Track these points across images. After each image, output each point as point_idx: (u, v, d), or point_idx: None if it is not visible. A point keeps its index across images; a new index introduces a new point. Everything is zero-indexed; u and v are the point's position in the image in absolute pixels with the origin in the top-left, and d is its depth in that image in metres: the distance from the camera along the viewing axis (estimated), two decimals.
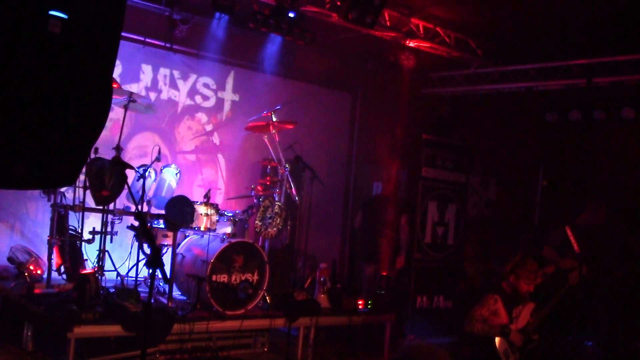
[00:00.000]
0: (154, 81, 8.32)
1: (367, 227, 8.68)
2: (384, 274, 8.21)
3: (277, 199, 7.10)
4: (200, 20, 8.09)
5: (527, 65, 8.74)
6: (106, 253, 6.41)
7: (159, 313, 5.91)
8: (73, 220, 6.59)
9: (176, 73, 8.50)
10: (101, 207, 6.38)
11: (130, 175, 6.83)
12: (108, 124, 7.25)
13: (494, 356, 5.39)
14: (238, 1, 7.31)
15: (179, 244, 6.80)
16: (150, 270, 3.26)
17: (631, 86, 7.92)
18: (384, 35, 8.10)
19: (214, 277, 6.27)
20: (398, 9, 7.90)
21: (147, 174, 6.72)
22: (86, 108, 2.43)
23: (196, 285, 6.18)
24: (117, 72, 7.79)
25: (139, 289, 6.21)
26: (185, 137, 8.66)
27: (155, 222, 6.79)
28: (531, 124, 9.44)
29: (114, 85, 6.49)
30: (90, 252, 6.58)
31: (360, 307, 7.47)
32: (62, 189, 6.69)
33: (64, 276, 6.52)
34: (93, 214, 6.79)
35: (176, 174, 7.22)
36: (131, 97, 6.39)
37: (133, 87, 7.96)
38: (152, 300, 4.78)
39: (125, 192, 6.40)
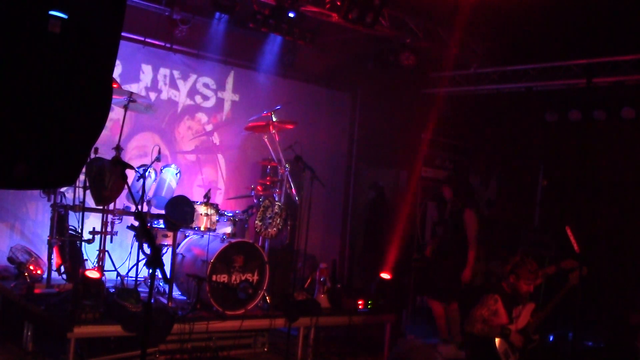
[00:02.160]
0: (154, 81, 8.32)
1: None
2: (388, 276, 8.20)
3: (277, 199, 7.10)
4: (200, 20, 8.08)
5: (527, 65, 8.73)
6: (106, 253, 6.41)
7: (159, 313, 5.90)
8: (73, 220, 6.58)
9: (176, 73, 8.50)
10: (101, 207, 6.38)
11: (130, 175, 6.83)
12: (108, 124, 7.24)
13: (493, 356, 5.39)
14: (238, 1, 7.31)
15: (179, 244, 6.80)
16: (150, 270, 3.26)
17: (631, 86, 7.91)
18: (384, 35, 8.09)
19: (214, 277, 6.27)
20: (398, 8, 7.90)
21: (147, 174, 6.71)
22: (86, 108, 2.43)
23: (196, 285, 6.18)
24: (117, 72, 7.79)
25: (139, 289, 6.21)
26: (185, 137, 8.66)
27: (155, 222, 6.79)
28: (531, 124, 9.44)
29: (114, 85, 6.48)
30: (90, 252, 6.58)
31: (360, 307, 7.47)
32: (62, 189, 6.69)
33: (64, 276, 6.52)
34: (93, 214, 6.78)
35: (176, 174, 7.22)
36: (131, 97, 6.39)
37: (133, 87, 7.95)
38: (152, 300, 4.78)
39: (125, 192, 6.40)
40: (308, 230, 6.93)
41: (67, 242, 6.53)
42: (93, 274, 5.75)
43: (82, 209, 6.39)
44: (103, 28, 2.43)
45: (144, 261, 6.40)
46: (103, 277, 6.23)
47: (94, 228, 6.45)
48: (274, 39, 8.47)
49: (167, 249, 6.74)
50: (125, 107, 6.46)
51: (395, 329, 7.72)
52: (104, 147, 6.15)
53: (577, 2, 7.07)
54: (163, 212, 6.64)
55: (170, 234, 6.62)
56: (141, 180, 6.61)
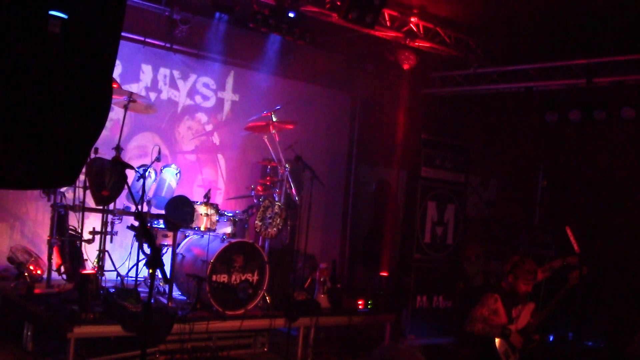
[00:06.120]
0: (154, 81, 8.32)
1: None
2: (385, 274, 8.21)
3: (277, 199, 7.10)
4: (200, 20, 8.08)
5: (527, 65, 8.73)
6: (106, 253, 6.41)
7: (159, 313, 5.91)
8: (73, 220, 6.59)
9: (176, 73, 8.49)
10: (101, 207, 6.38)
11: (130, 175, 6.83)
12: (108, 124, 7.25)
13: (494, 356, 5.39)
14: (238, 1, 7.31)
15: (179, 244, 6.80)
16: (150, 270, 3.26)
17: (631, 86, 7.92)
18: (384, 35, 8.10)
19: (214, 277, 6.27)
20: (398, 9, 7.90)
21: (147, 174, 6.72)
22: (86, 108, 2.43)
23: (196, 285, 6.19)
24: (117, 72, 7.79)
25: (139, 289, 6.21)
26: (185, 137, 8.65)
27: (155, 222, 6.79)
28: (531, 124, 9.44)
29: (114, 85, 6.49)
30: (90, 252, 6.58)
31: (360, 307, 7.47)
32: (62, 189, 6.69)
33: (64, 276, 6.52)
34: (93, 214, 6.78)
35: (176, 174, 7.22)
36: (131, 97, 6.39)
37: (133, 87, 7.95)
38: (152, 300, 4.79)
39: (125, 192, 6.40)
40: (308, 230, 6.93)
41: (67, 242, 6.54)
42: (86, 270, 5.73)
43: (82, 209, 6.40)
44: (103, 28, 2.43)
45: (144, 261, 6.40)
46: (103, 277, 6.25)
47: (94, 228, 6.45)
48: (274, 39, 8.46)
49: (167, 249, 6.74)
50: (125, 107, 6.46)
51: (395, 329, 7.72)
52: (104, 147, 6.15)
53: (578, 2, 7.07)
54: (163, 212, 6.64)
55: (170, 234, 6.62)
56: (141, 180, 6.61)
